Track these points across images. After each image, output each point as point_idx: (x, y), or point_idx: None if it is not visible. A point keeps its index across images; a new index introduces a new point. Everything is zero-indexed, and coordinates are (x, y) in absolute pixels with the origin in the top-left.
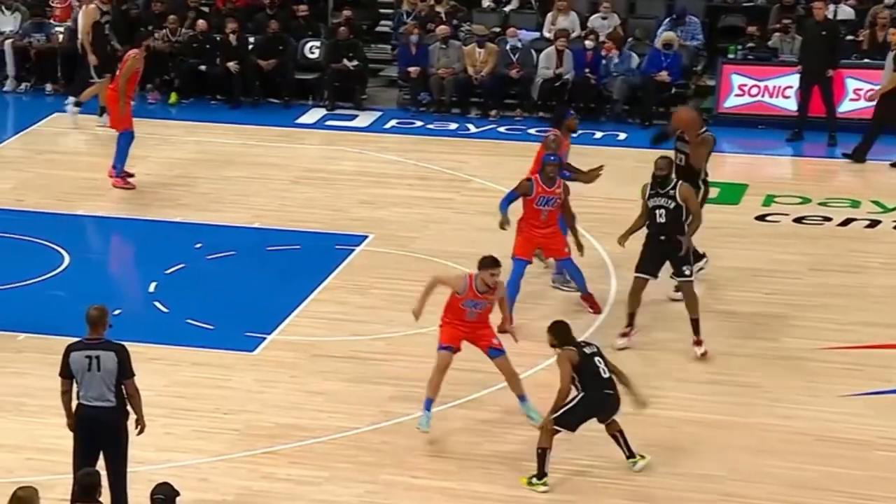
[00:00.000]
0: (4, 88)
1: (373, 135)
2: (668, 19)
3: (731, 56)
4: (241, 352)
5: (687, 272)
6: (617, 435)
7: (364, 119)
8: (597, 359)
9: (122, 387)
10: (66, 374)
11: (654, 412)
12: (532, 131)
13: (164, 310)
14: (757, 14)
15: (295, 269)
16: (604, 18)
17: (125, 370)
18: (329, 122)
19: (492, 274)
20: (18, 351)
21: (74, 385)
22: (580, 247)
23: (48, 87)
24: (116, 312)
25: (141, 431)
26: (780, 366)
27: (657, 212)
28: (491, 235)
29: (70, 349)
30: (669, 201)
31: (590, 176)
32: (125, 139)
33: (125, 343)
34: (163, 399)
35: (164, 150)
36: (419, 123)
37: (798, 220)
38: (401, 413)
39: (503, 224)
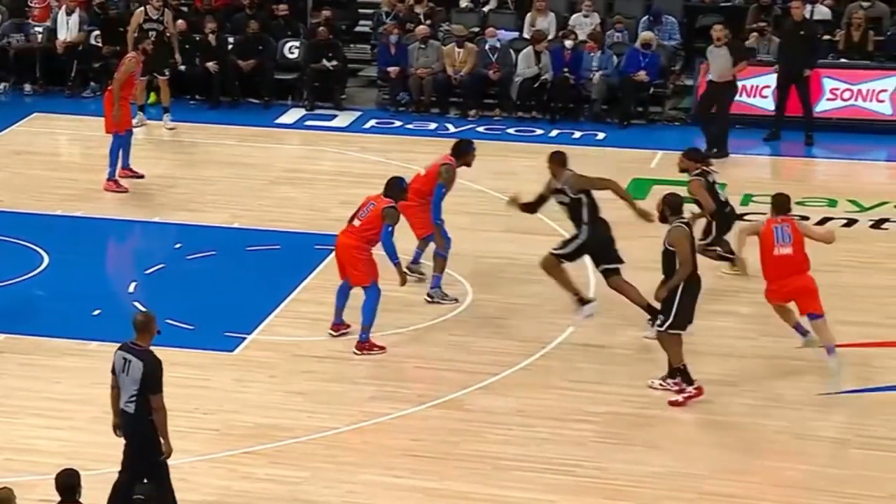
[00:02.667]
0: None
1: (352, 135)
2: (645, 18)
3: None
4: (221, 352)
5: (659, 322)
6: None
7: (343, 119)
8: None
9: (149, 400)
10: (113, 370)
11: (636, 410)
12: (511, 131)
13: (144, 310)
14: (734, 14)
15: (275, 269)
16: (586, 17)
17: (149, 384)
18: (308, 122)
19: None
20: None
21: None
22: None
23: (27, 87)
24: (96, 313)
25: (167, 456)
26: (759, 364)
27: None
28: (466, 234)
29: (119, 347)
30: (663, 245)
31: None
32: (118, 142)
33: (104, 343)
34: None
35: (144, 150)
36: (398, 123)
37: None
38: (381, 413)
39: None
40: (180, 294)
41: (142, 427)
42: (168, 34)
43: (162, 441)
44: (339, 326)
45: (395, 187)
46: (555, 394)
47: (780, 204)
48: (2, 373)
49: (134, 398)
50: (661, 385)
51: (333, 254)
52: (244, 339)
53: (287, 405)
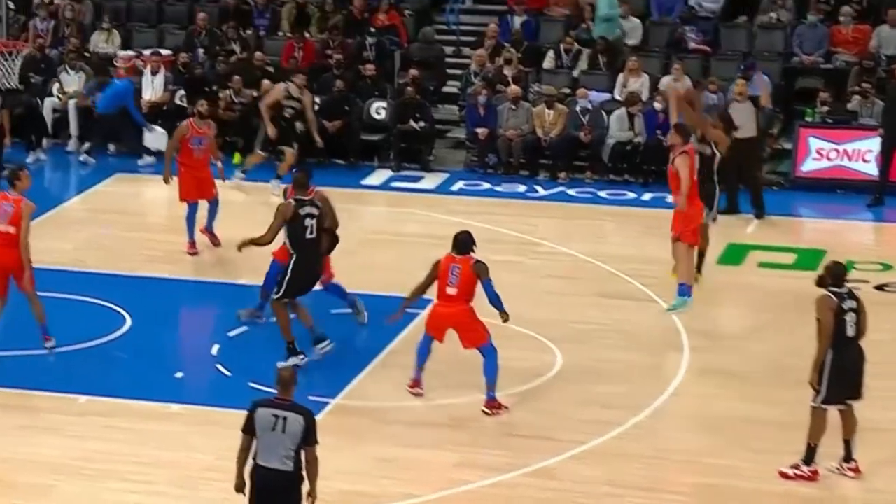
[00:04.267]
0: (67, 148)
1: (440, 197)
2: (738, 74)
3: (808, 119)
4: None
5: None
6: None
7: (431, 181)
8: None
9: (302, 453)
10: (249, 430)
11: (728, 482)
12: (603, 194)
13: (227, 373)
14: (835, 76)
15: (359, 333)
16: (675, 80)
17: (309, 437)
18: (395, 184)
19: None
20: (80, 414)
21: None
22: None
23: (110, 146)
24: (178, 375)
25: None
26: (862, 438)
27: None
28: (555, 298)
29: (257, 405)
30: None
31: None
32: (189, 209)
33: (186, 406)
34: (224, 463)
35: (228, 210)
36: (487, 185)
37: (879, 288)
38: (467, 480)
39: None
40: (264, 357)
41: (299, 483)
42: (307, 115)
43: (310, 492)
44: (417, 383)
45: (466, 241)
46: (645, 463)
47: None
48: (84, 435)
49: (292, 454)
50: (837, 469)
51: (426, 322)
52: (328, 403)
53: (371, 471)
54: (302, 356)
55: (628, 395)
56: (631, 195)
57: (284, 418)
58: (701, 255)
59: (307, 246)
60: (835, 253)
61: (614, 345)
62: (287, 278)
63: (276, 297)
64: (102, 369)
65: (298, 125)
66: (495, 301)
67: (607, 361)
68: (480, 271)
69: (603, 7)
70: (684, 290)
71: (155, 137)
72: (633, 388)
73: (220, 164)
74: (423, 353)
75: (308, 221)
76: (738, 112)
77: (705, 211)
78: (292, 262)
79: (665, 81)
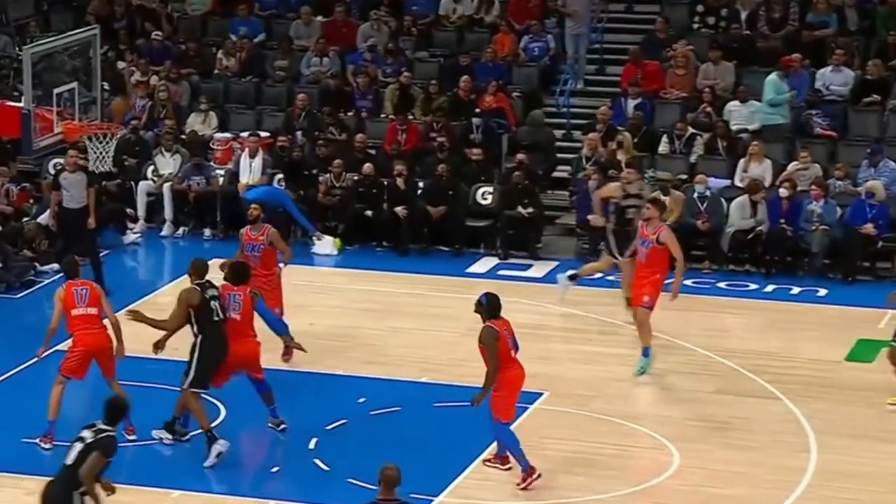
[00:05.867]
0: (162, 233)
1: (549, 286)
2: (864, 161)
3: None
4: None
5: None
6: None
7: (539, 269)
8: None
9: None
10: None
11: None
12: (722, 285)
13: (325, 468)
14: None
15: (464, 427)
16: (805, 169)
17: None
18: (502, 272)
19: None
20: None
21: None
22: None
23: (206, 231)
24: (274, 470)
25: None
26: None
27: None
28: (673, 395)
29: None
30: None
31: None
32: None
33: (279, 502)
34: None
35: (328, 298)
36: (599, 274)
37: None
38: None
39: None
40: (363, 452)
41: None
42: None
43: None
44: (531, 471)
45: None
46: None
47: None
48: None
49: None
50: None
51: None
52: (431, 501)
53: None
54: (221, 443)
55: (750, 499)
56: (753, 286)
57: None
58: None
59: (214, 328)
60: None
61: (737, 444)
62: (196, 361)
63: (187, 386)
64: (195, 463)
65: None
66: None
67: (727, 462)
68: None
69: (770, 92)
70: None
71: (323, 245)
72: (755, 492)
73: (282, 266)
74: (514, 439)
75: (213, 304)
76: None
77: None
78: (199, 344)
79: (791, 168)
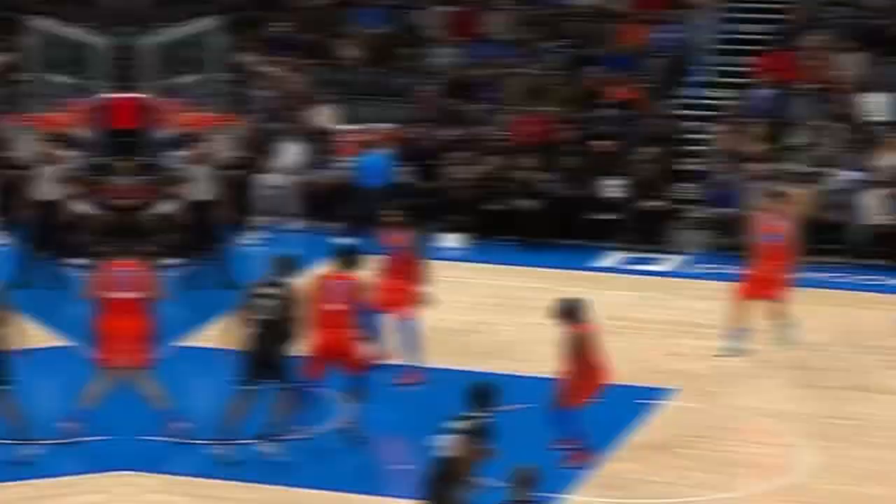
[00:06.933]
0: (287, 227)
1: (681, 280)
2: None
3: None
4: None
5: None
6: None
7: (669, 263)
8: None
9: None
10: None
11: None
12: (857, 280)
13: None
14: None
15: (592, 425)
16: None
17: None
18: (632, 266)
19: None
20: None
21: None
22: None
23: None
24: (407, 468)
25: None
26: None
27: None
28: (815, 392)
29: None
30: None
31: None
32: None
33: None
34: None
35: (456, 293)
36: (733, 269)
37: None
38: None
39: None
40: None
41: None
42: None
43: None
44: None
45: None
46: None
47: None
48: None
49: None
50: None
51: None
52: (557, 499)
53: None
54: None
55: (891, 499)
56: (890, 281)
57: None
58: None
59: None
60: None
61: (876, 443)
62: None
63: None
64: (327, 460)
65: None
66: None
67: (867, 461)
68: None
69: None
70: None
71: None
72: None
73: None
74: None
75: None
76: None
77: None
78: None
79: None
